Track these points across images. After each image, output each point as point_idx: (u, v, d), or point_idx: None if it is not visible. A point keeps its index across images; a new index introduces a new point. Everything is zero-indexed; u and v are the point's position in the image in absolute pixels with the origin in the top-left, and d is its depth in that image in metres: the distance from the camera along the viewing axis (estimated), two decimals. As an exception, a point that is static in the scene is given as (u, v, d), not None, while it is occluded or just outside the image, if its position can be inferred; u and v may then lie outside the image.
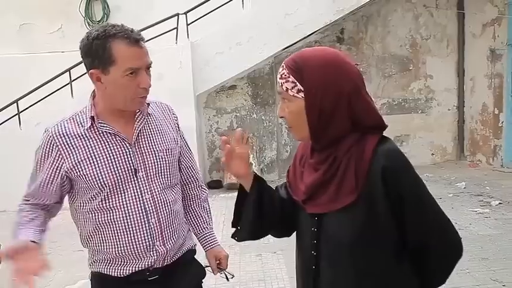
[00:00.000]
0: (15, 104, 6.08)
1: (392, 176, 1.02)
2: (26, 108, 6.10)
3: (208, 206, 1.70)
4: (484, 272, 3.20)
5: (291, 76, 1.08)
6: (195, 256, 1.61)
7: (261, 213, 1.20)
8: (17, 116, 6.12)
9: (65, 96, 6.03)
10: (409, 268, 1.10)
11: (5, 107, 6.11)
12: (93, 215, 1.38)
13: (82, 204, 1.39)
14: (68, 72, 6.02)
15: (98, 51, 1.28)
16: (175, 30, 6.12)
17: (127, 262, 1.40)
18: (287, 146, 7.58)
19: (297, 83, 1.07)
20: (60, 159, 1.35)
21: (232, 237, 1.26)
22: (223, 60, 6.32)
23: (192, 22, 6.23)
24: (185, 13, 6.19)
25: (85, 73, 5.39)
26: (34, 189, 1.41)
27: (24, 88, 6.05)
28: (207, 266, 1.65)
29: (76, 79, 6.02)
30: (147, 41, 5.42)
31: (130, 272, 1.40)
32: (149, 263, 1.40)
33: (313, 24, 6.36)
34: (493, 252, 3.59)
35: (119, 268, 1.40)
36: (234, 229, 1.25)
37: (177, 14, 6.10)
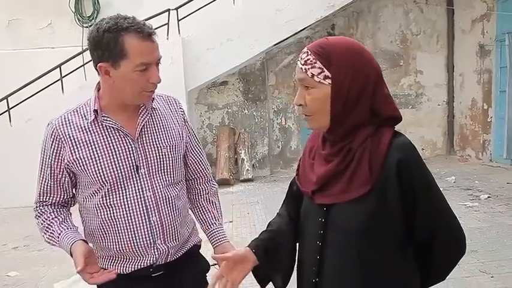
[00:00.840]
0: (5, 100, 6.02)
1: (407, 169, 1.03)
2: (17, 105, 6.04)
3: (218, 201, 1.64)
4: (473, 263, 3.25)
5: (317, 62, 1.05)
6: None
7: (280, 264, 1.23)
8: (7, 112, 6.07)
9: (55, 92, 5.98)
10: (413, 263, 1.11)
11: (-6, 104, 6.05)
12: (95, 211, 1.35)
13: (85, 200, 1.38)
14: (58, 68, 5.97)
15: (109, 44, 1.23)
16: (166, 26, 6.09)
17: (129, 259, 1.38)
18: (278, 142, 7.62)
19: (324, 69, 1.05)
20: (62, 150, 1.33)
21: None
22: (214, 56, 6.32)
23: (183, 18, 6.21)
24: (176, 9, 6.17)
25: (76, 69, 5.37)
26: (45, 185, 1.38)
27: (13, 84, 5.99)
28: (214, 264, 1.57)
29: (67, 75, 5.98)
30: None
31: (132, 269, 1.38)
32: (151, 260, 1.38)
33: (304, 20, 6.38)
34: (481, 244, 3.64)
35: (121, 265, 1.39)
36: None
37: (168, 10, 6.08)
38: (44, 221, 1.39)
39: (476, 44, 6.97)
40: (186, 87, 6.32)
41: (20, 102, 6.03)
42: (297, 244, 1.26)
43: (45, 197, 1.39)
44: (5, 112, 6.08)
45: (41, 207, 1.41)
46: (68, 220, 1.41)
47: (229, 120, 7.37)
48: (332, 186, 1.09)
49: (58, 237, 1.36)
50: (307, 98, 1.08)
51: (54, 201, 1.40)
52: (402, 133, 1.10)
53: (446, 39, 7.63)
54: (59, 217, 1.39)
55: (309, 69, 1.06)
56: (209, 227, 1.57)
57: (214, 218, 1.59)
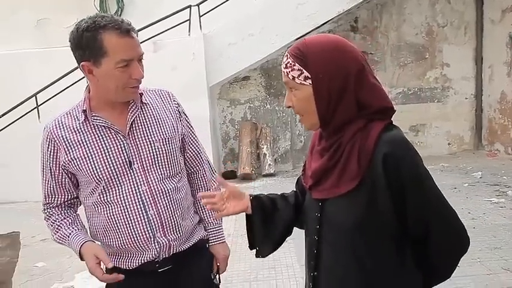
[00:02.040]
0: (34, 97, 6.22)
1: (394, 163, 1.01)
2: (45, 102, 6.23)
3: None
4: (495, 261, 3.17)
5: (296, 64, 1.07)
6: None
7: (270, 227, 1.26)
8: (36, 109, 6.27)
9: (81, 89, 6.12)
10: (411, 259, 1.10)
11: (24, 101, 6.25)
12: (95, 208, 1.39)
13: (85, 198, 1.42)
14: (84, 66, 6.11)
15: (88, 43, 1.25)
16: (188, 22, 6.14)
17: (131, 255, 1.40)
18: (301, 136, 7.58)
19: (303, 70, 1.07)
20: (58, 153, 1.37)
21: (256, 256, 1.32)
22: (236, 51, 6.34)
23: (205, 14, 6.25)
24: (197, 5, 6.21)
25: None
26: (48, 187, 1.42)
27: (41, 82, 6.18)
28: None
29: (92, 72, 6.12)
30: (160, 33, 5.50)
31: (137, 264, 1.40)
32: (153, 254, 1.39)
33: (325, 13, 6.31)
34: (506, 241, 3.54)
35: (126, 261, 1.41)
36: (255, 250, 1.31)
37: (190, 6, 6.12)
38: (54, 222, 1.44)
39: (507, 34, 6.72)
40: (208, 82, 6.37)
41: (48, 99, 6.21)
42: (293, 224, 1.30)
43: (50, 199, 1.44)
44: (33, 109, 6.28)
45: (48, 210, 1.46)
46: (77, 222, 1.46)
47: (251, 115, 7.38)
48: (325, 181, 1.11)
49: (68, 238, 1.41)
50: (293, 99, 1.11)
51: (59, 202, 1.44)
52: (396, 126, 1.09)
53: (475, 31, 7.38)
54: (68, 218, 1.45)
55: (289, 72, 1.09)
56: (207, 225, 1.59)
57: (212, 216, 1.58)
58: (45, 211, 1.46)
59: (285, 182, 6.44)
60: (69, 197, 1.44)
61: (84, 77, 5.81)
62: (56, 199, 1.44)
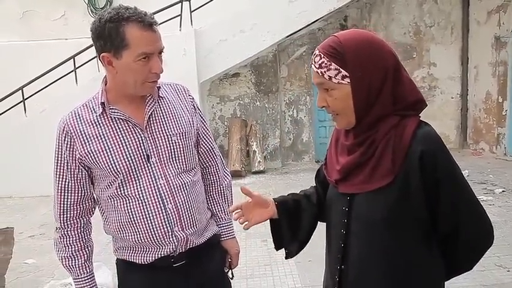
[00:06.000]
0: (20, 91, 6.11)
1: (430, 161, 1.02)
2: (31, 96, 6.13)
3: (231, 194, 1.62)
4: (488, 257, 3.23)
5: (332, 63, 1.04)
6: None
7: (297, 229, 1.27)
8: (22, 103, 6.16)
9: (69, 83, 6.05)
10: (437, 253, 1.11)
11: (9, 94, 6.14)
12: (112, 202, 1.36)
13: (101, 192, 1.38)
14: (71, 60, 6.03)
15: (110, 35, 1.24)
16: (179, 17, 6.10)
17: (148, 249, 1.38)
18: (290, 134, 7.61)
19: (341, 69, 1.04)
20: (74, 145, 1.33)
21: (286, 258, 1.34)
22: (227, 48, 6.31)
23: (196, 9, 6.21)
24: (189, 0, 6.16)
25: (89, 60, 5.42)
26: (63, 182, 1.36)
27: (27, 75, 6.07)
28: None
29: (80, 66, 6.04)
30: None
31: (153, 258, 1.38)
32: (170, 249, 1.37)
33: (316, 11, 6.33)
34: (497, 238, 3.56)
35: (141, 255, 1.38)
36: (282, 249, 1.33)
37: (181, 1, 6.08)
38: (69, 248, 1.40)
39: (492, 35, 6.84)
40: (198, 78, 6.33)
41: (35, 93, 6.11)
42: (317, 221, 1.30)
43: (64, 198, 1.37)
44: (19, 103, 6.17)
45: (65, 223, 1.39)
46: (91, 257, 1.44)
47: (241, 112, 7.37)
48: (355, 176, 1.10)
49: (76, 277, 1.41)
50: (329, 99, 1.08)
51: (73, 201, 1.38)
52: (428, 123, 1.08)
53: (461, 31, 7.50)
54: (84, 250, 1.41)
55: (325, 72, 1.05)
56: (218, 220, 1.58)
57: (224, 212, 1.59)
58: (61, 224, 1.39)
59: (275, 179, 6.44)
60: (84, 195, 1.39)
61: (71, 72, 5.75)
62: (70, 197, 1.38)
